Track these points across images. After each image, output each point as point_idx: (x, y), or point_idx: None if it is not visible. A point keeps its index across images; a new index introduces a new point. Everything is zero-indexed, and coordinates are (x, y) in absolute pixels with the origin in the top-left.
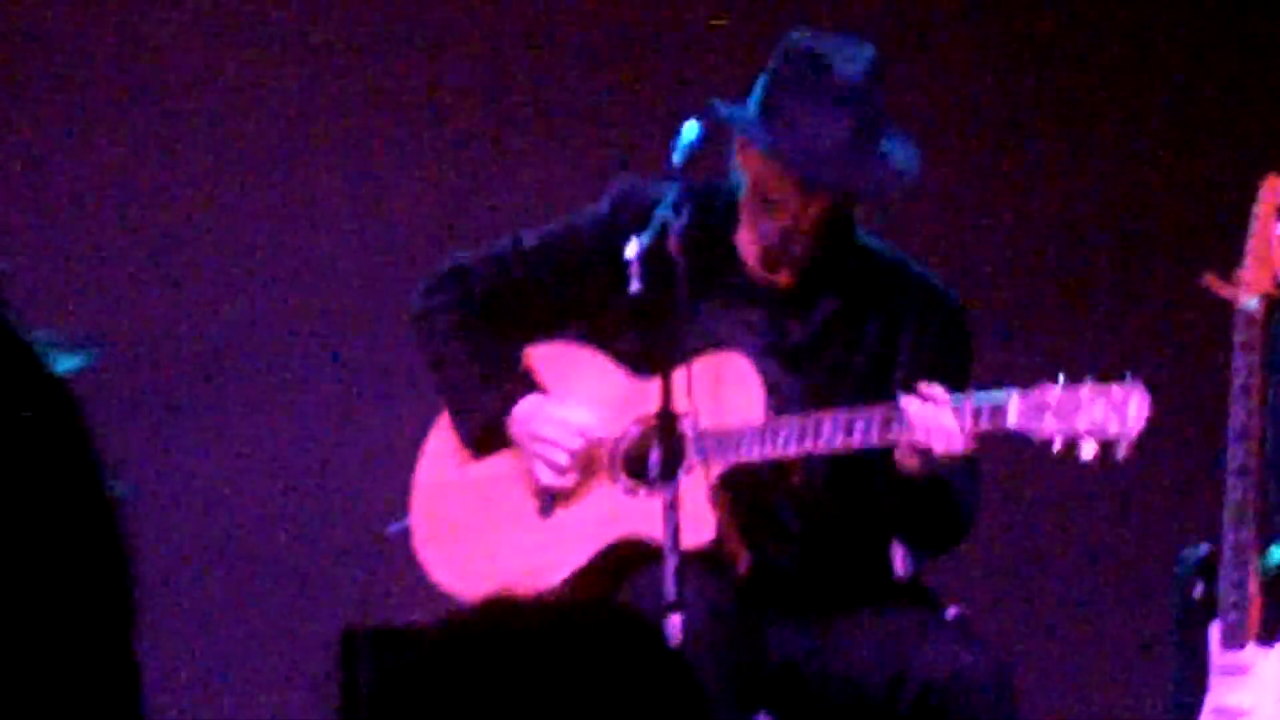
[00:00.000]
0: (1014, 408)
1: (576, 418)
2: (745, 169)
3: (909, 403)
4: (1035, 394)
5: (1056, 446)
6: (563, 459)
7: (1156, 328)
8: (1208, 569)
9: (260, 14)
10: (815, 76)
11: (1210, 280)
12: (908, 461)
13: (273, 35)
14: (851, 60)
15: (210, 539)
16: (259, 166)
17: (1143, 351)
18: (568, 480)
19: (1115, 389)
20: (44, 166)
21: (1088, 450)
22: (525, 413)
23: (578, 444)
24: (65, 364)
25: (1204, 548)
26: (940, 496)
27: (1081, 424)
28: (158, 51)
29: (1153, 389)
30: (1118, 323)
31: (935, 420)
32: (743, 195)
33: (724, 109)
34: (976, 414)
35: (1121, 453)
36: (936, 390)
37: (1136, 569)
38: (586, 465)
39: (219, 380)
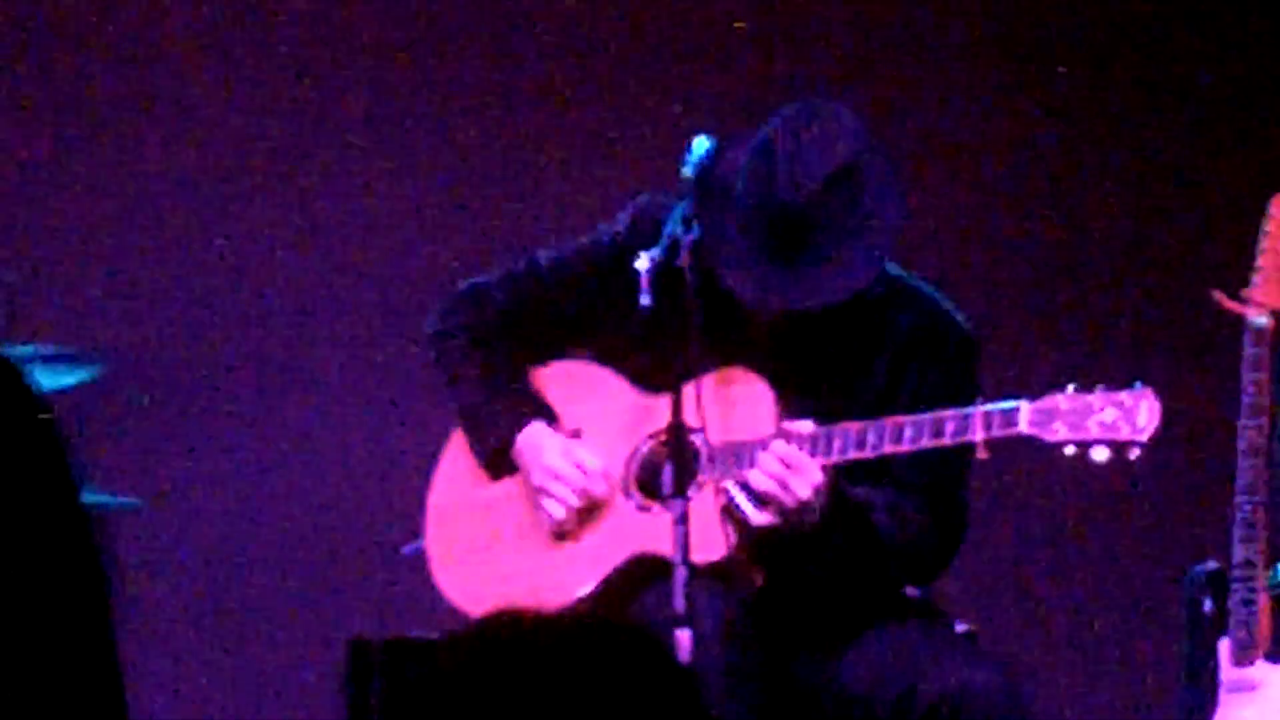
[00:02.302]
0: (1025, 414)
1: (588, 464)
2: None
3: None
4: (1046, 401)
5: (1069, 451)
6: (571, 499)
7: (1166, 344)
8: (1217, 585)
9: (272, 30)
10: (767, 191)
11: (1220, 297)
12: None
13: (286, 51)
14: (803, 174)
15: (219, 549)
16: (272, 184)
17: (1152, 368)
18: (569, 522)
19: (1125, 394)
20: (51, 178)
21: (1099, 455)
22: (533, 441)
23: (575, 501)
24: (74, 376)
25: (1213, 564)
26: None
27: (1093, 429)
28: (169, 65)
29: (1162, 405)
30: (1127, 340)
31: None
32: None
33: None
34: (988, 420)
35: (1133, 456)
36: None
37: (1145, 585)
38: (590, 506)
39: (230, 392)
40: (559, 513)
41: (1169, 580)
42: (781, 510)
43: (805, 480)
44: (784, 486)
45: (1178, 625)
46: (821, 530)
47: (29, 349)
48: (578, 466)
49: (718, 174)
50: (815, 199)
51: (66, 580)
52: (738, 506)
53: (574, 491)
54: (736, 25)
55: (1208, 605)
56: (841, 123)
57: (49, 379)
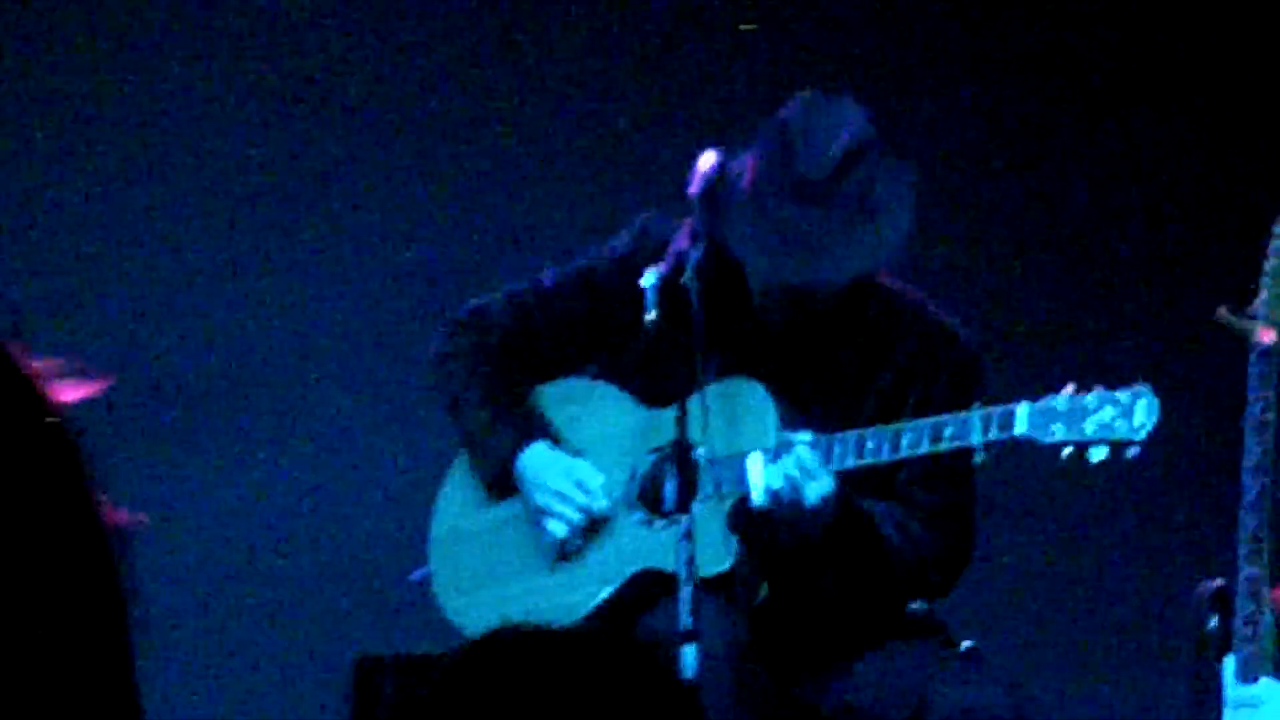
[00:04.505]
0: (1023, 416)
1: (589, 485)
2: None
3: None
4: (1044, 402)
5: (1066, 452)
6: (573, 517)
7: (1170, 360)
8: (1222, 602)
9: (276, 49)
10: (783, 168)
11: (1225, 315)
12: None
13: (298, 77)
14: (820, 153)
15: (226, 567)
16: (282, 206)
17: (1157, 384)
18: (572, 541)
19: (1123, 392)
20: (61, 197)
21: (1098, 454)
22: (534, 461)
23: (579, 519)
24: (81, 392)
25: (1218, 581)
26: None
27: (1090, 429)
28: (180, 87)
29: (1167, 424)
30: (1131, 354)
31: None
32: None
33: (727, 166)
34: (986, 423)
35: (1131, 454)
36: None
37: (1151, 602)
38: (592, 524)
39: (237, 411)
40: (561, 531)
41: (1174, 597)
42: (785, 509)
43: (817, 487)
44: (795, 489)
45: (1183, 642)
46: (830, 542)
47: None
48: (579, 485)
49: (724, 186)
50: (833, 175)
51: (85, 596)
52: (748, 481)
53: (576, 509)
54: (744, 27)
55: (1213, 622)
56: (849, 109)
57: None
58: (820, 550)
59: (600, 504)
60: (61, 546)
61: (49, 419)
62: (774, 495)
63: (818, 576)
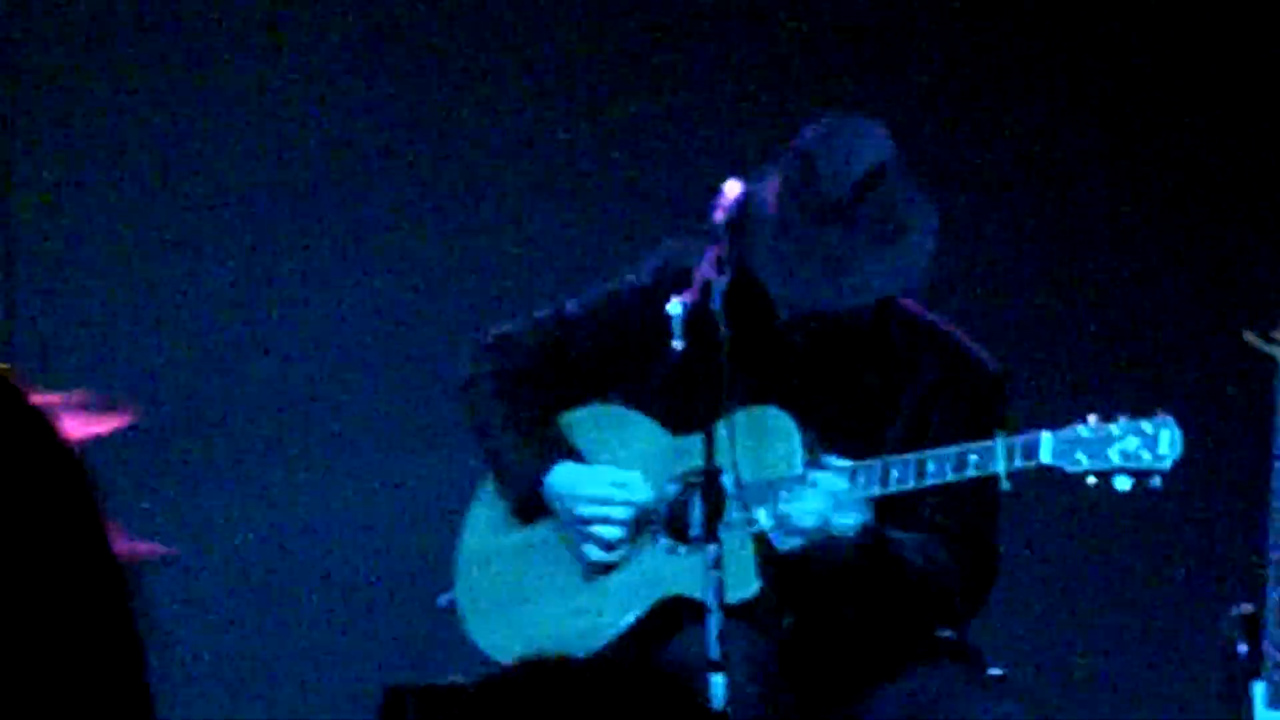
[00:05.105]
0: (1047, 445)
1: (626, 482)
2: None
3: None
4: (1068, 431)
5: (1091, 481)
6: (616, 533)
7: (1199, 383)
8: (1251, 628)
9: (292, 79)
10: (805, 190)
11: (1251, 338)
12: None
13: (314, 102)
14: (843, 173)
15: (252, 595)
16: (305, 235)
17: (1185, 413)
18: (616, 555)
19: (1147, 422)
20: (84, 231)
21: (1122, 483)
22: (565, 478)
23: (628, 514)
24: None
25: (1247, 607)
26: (887, 570)
27: (1114, 458)
28: (202, 117)
29: (1194, 447)
30: (1159, 377)
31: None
32: None
33: (751, 192)
34: (1010, 451)
35: (1155, 484)
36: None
37: (1180, 628)
38: (635, 531)
39: (263, 439)
40: (612, 534)
41: (1203, 623)
42: (813, 540)
43: (848, 515)
44: (826, 519)
45: (1212, 668)
46: (856, 568)
47: (61, 396)
48: (617, 485)
49: (749, 213)
50: (856, 195)
51: (100, 631)
52: (768, 533)
53: (622, 506)
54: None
55: (1242, 648)
56: (871, 130)
57: (81, 427)
58: (850, 578)
59: (645, 494)
60: (72, 581)
61: (59, 452)
62: (801, 529)
63: (847, 603)
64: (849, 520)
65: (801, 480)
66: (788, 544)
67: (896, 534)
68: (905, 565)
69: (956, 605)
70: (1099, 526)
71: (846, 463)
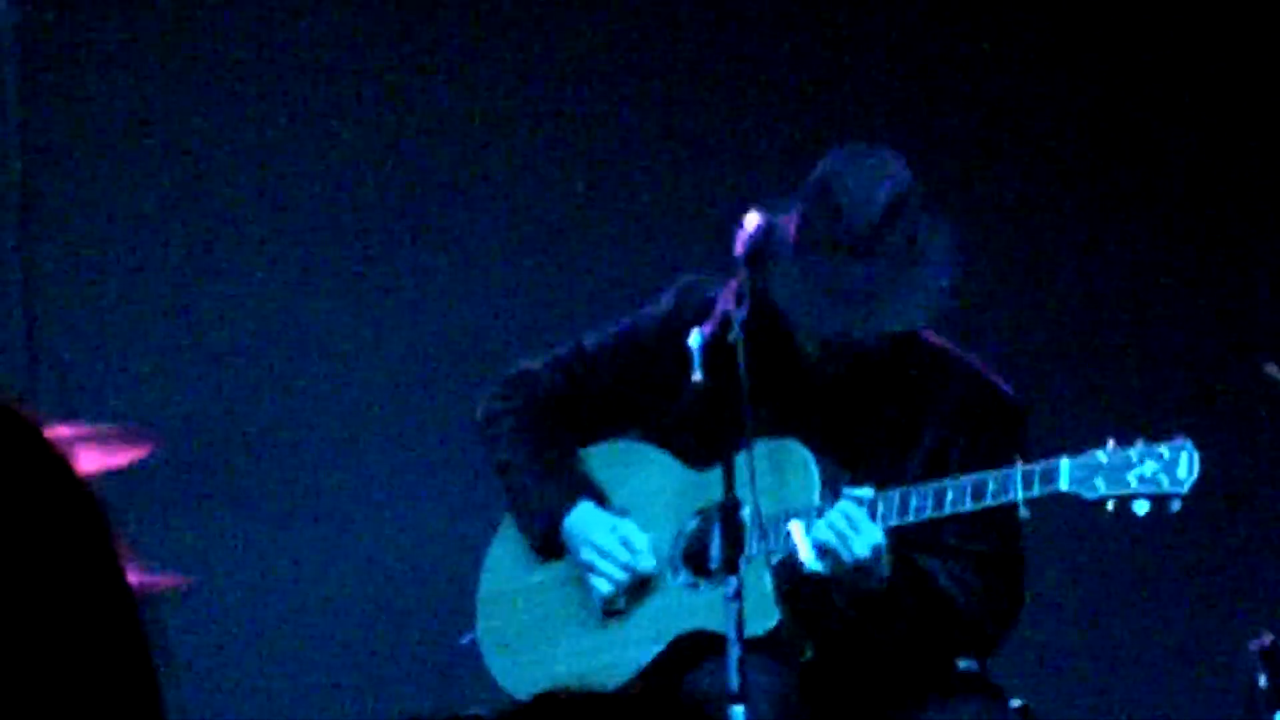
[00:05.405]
0: (1064, 471)
1: (634, 543)
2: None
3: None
4: (1086, 457)
5: (1110, 507)
6: (618, 575)
7: (1220, 413)
8: (1272, 659)
9: (312, 114)
10: (827, 221)
11: (1272, 369)
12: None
13: (338, 139)
14: (865, 205)
15: (273, 628)
16: (324, 267)
17: (1207, 440)
18: (617, 599)
19: (1165, 446)
20: (103, 259)
21: (1141, 508)
22: (581, 520)
23: (623, 577)
24: (128, 455)
25: (1268, 638)
26: (914, 592)
27: (1133, 483)
28: (220, 151)
29: (1215, 477)
30: (1179, 406)
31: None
32: None
33: (770, 225)
34: (1028, 479)
35: (1174, 508)
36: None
37: (1200, 659)
38: (638, 584)
39: (284, 473)
40: (606, 589)
41: (1224, 654)
42: (837, 565)
43: (865, 540)
44: (844, 543)
45: (1233, 699)
46: (888, 595)
47: (81, 428)
48: (624, 543)
49: (770, 245)
50: (878, 227)
51: (114, 667)
52: (794, 548)
53: (620, 567)
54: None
55: (1263, 680)
56: (890, 159)
57: (101, 458)
58: (879, 606)
59: (646, 563)
60: (85, 617)
61: (74, 488)
62: (823, 552)
63: (878, 632)
64: (866, 543)
65: (820, 513)
66: (810, 563)
67: (925, 561)
68: (939, 590)
69: (986, 628)
70: (1119, 556)
71: (867, 492)
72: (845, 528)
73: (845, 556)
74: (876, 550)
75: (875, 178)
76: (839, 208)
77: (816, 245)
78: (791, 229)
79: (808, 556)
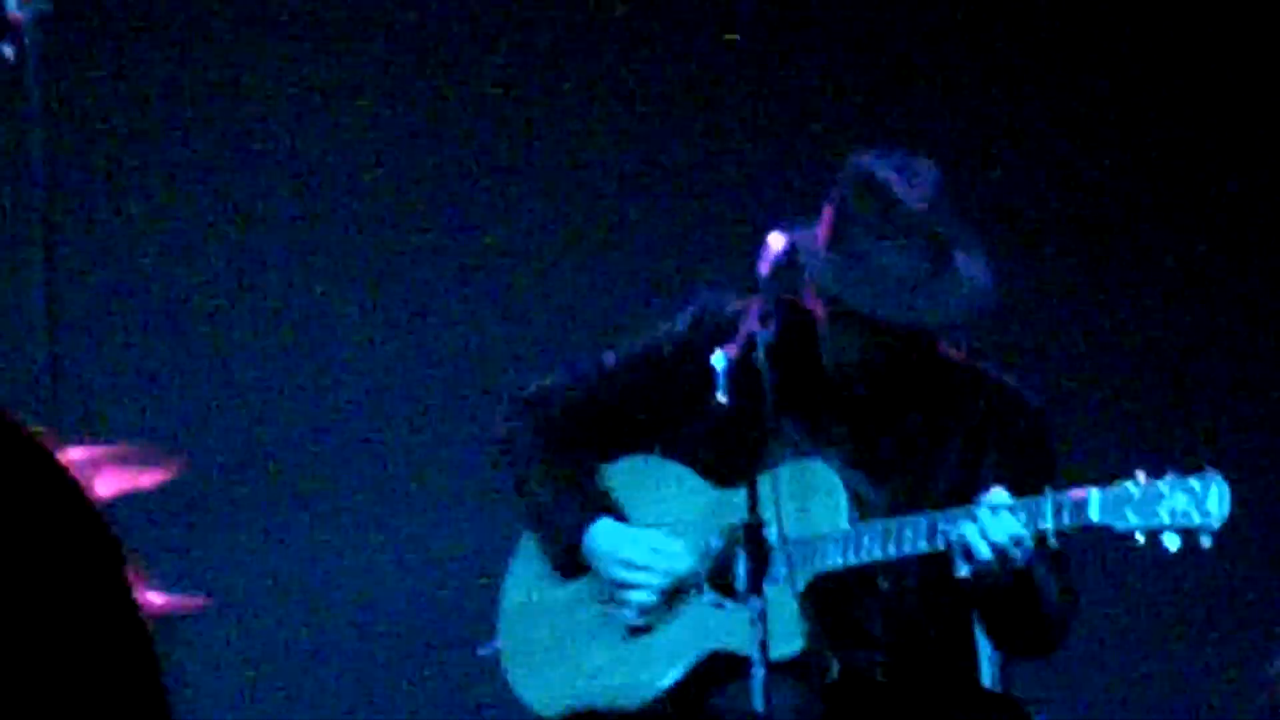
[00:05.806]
0: (1095, 503)
1: (666, 549)
2: (819, 298)
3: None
4: (1116, 489)
5: (1140, 540)
6: (651, 599)
7: (1242, 439)
8: None
9: (338, 131)
10: (882, 208)
11: None
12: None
13: (359, 161)
14: (916, 186)
15: (292, 646)
16: (342, 283)
17: (1227, 464)
18: (656, 608)
19: (1195, 480)
20: (125, 280)
21: (1171, 542)
22: (604, 536)
23: (664, 583)
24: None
25: None
26: (1022, 597)
27: (1164, 516)
28: (243, 171)
29: (1240, 504)
30: (1202, 429)
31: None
32: (820, 315)
33: (796, 239)
34: (1058, 510)
35: (1205, 543)
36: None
37: (1223, 677)
38: (669, 598)
39: (303, 491)
40: (647, 599)
41: (1246, 672)
42: (989, 571)
43: (1022, 552)
44: (1005, 556)
45: (1256, 717)
46: (920, 608)
47: (104, 449)
48: (656, 551)
49: (800, 259)
50: (936, 204)
51: (123, 693)
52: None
53: (661, 574)
54: (728, 37)
55: None
56: (916, 157)
57: (124, 480)
58: (910, 624)
59: (684, 564)
60: (95, 641)
61: (83, 511)
62: (986, 560)
63: (908, 650)
64: (1025, 555)
65: (844, 538)
66: (962, 571)
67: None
68: (1039, 585)
69: (1068, 624)
70: (1142, 581)
71: (1004, 498)
72: (1006, 542)
73: (1006, 564)
74: (1029, 559)
75: (915, 167)
76: (890, 190)
77: (865, 233)
78: (823, 230)
79: (960, 564)
